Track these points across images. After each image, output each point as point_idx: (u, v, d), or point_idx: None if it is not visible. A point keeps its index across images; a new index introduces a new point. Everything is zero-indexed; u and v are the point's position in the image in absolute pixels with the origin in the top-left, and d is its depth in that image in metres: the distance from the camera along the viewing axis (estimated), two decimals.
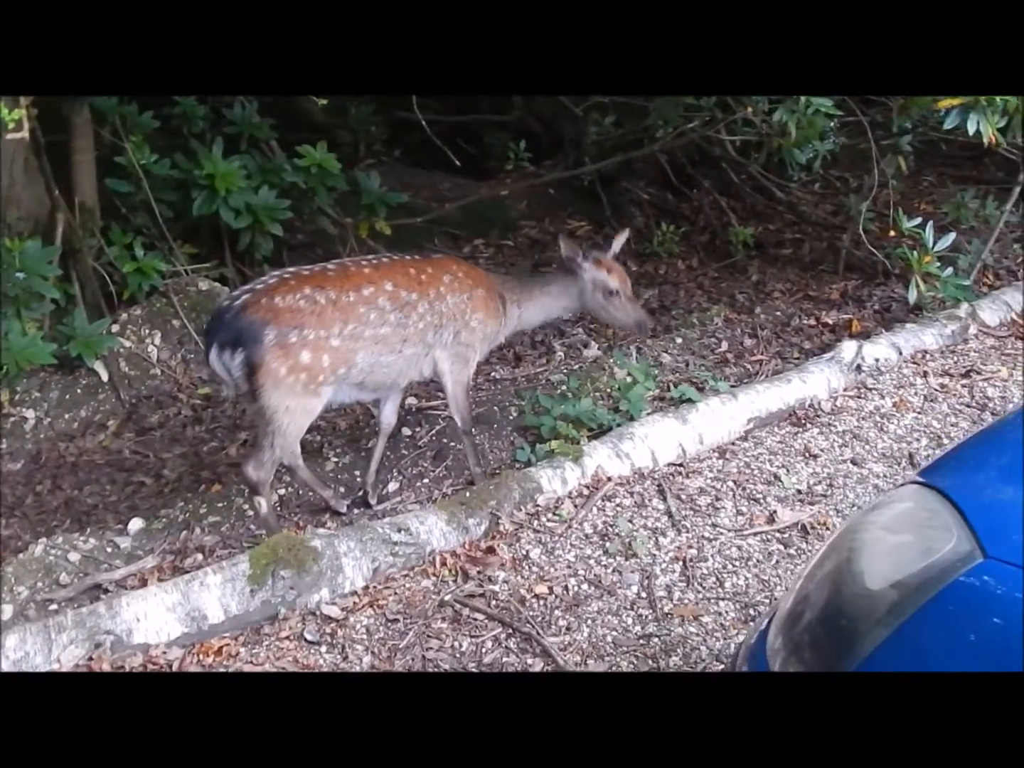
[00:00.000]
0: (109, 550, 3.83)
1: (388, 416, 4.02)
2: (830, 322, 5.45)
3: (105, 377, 4.97)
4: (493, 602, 3.25)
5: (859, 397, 4.37)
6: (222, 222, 5.48)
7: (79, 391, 4.92)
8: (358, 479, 4.20)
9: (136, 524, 3.96)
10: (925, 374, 4.54)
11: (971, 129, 4.26)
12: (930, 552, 1.56)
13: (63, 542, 3.81)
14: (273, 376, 3.34)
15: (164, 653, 3.06)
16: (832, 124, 5.09)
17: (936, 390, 4.42)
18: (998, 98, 4.23)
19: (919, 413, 4.26)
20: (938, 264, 4.79)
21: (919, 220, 4.98)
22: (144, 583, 3.61)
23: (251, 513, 3.94)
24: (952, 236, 4.84)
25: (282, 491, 4.12)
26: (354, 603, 3.28)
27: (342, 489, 4.15)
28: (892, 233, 5.27)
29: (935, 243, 4.77)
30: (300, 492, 4.12)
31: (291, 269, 3.60)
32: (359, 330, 3.49)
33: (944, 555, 1.53)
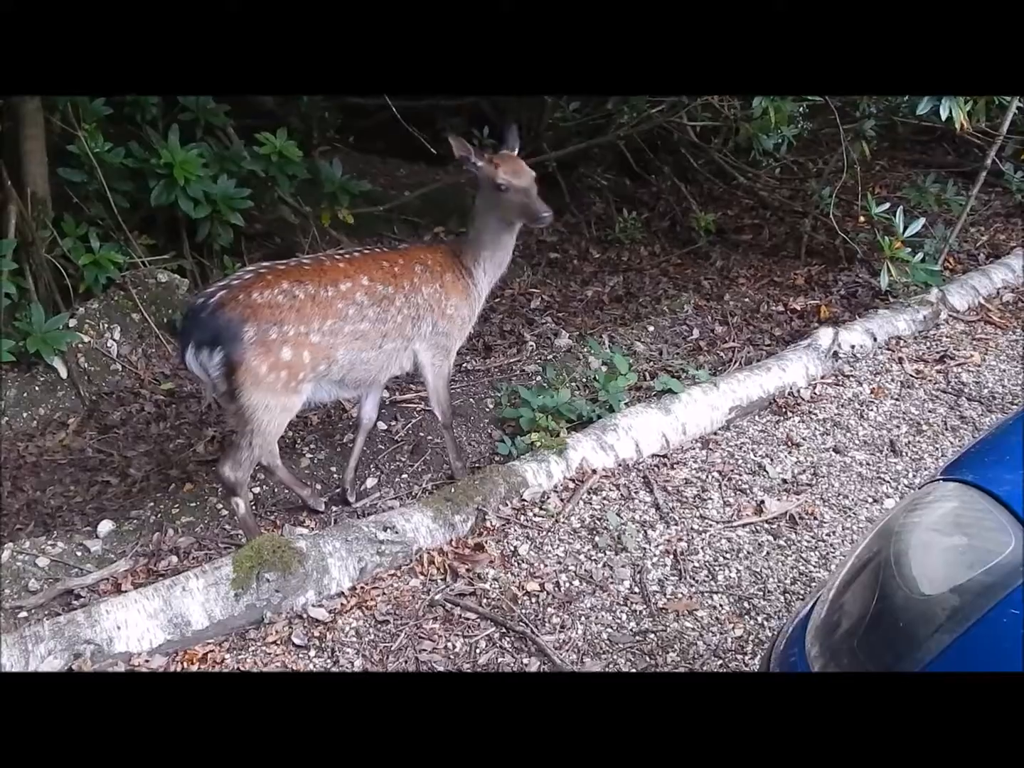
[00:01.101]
0: (79, 554, 3.70)
1: (368, 412, 3.92)
2: (798, 308, 5.47)
3: (64, 374, 4.79)
4: (484, 601, 3.19)
5: (837, 384, 4.39)
6: (180, 212, 5.32)
7: (37, 389, 4.74)
8: (334, 475, 4.11)
9: (106, 526, 3.82)
10: (900, 360, 4.56)
11: (943, 115, 4.28)
12: (990, 554, 1.53)
13: (30, 547, 3.67)
14: (253, 374, 3.22)
15: (147, 661, 2.96)
16: (800, 109, 5.08)
17: (912, 376, 4.45)
18: None
19: (897, 400, 4.28)
20: (908, 250, 4.82)
21: (887, 206, 5.00)
22: (118, 587, 3.50)
23: (225, 513, 3.84)
24: (921, 222, 4.87)
25: (257, 489, 4.01)
26: (342, 605, 3.20)
27: (318, 486, 4.05)
28: (862, 219, 5.29)
29: (904, 229, 4.78)
30: (276, 490, 4.02)
31: (265, 264, 3.48)
32: (338, 326, 3.39)
33: (1006, 558, 1.50)
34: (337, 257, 3.59)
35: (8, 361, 4.43)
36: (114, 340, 5.06)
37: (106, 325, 5.06)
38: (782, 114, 4.82)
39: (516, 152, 3.70)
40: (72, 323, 4.94)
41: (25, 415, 4.67)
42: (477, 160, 3.63)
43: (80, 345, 4.91)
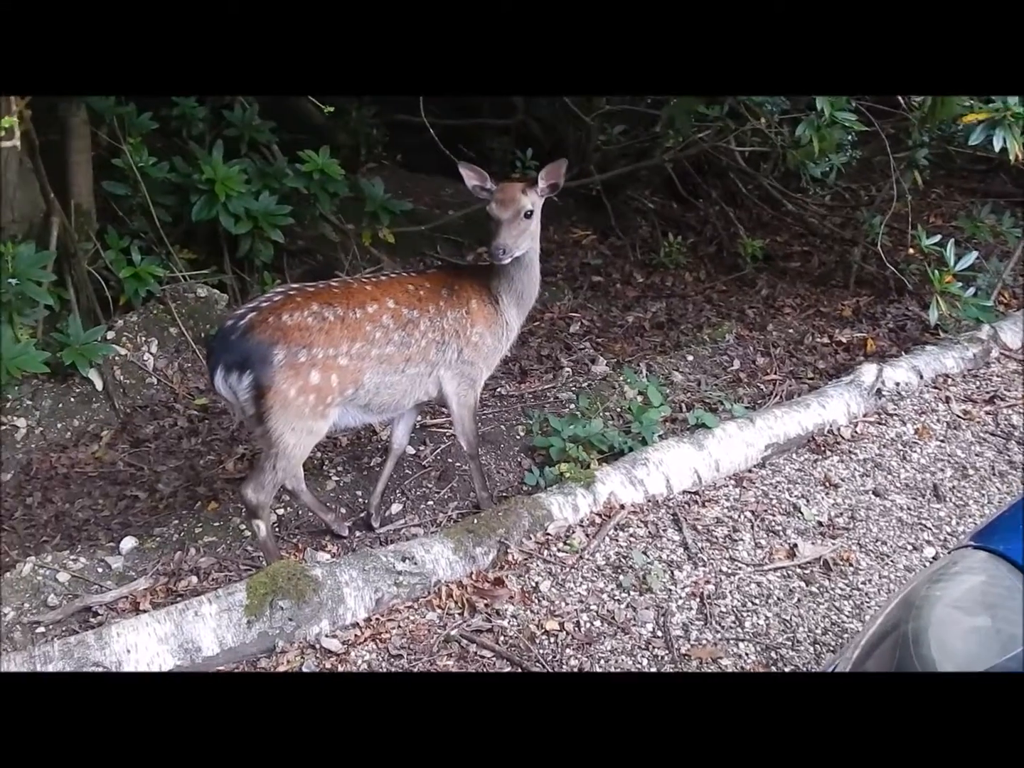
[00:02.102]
0: (100, 570, 3.69)
1: (400, 438, 3.87)
2: (844, 340, 5.32)
3: (99, 386, 4.82)
4: (501, 638, 3.10)
5: (880, 423, 4.23)
6: (221, 227, 5.34)
7: (72, 400, 4.76)
8: (360, 499, 4.06)
9: (129, 543, 3.81)
10: (947, 400, 4.39)
11: (996, 145, 4.12)
12: (1014, 641, 1.41)
13: (52, 561, 3.67)
14: (282, 398, 3.19)
15: None
16: (850, 137, 4.94)
17: (959, 417, 4.28)
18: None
19: (942, 441, 4.12)
20: (960, 284, 4.65)
21: (939, 237, 4.84)
22: (136, 606, 3.48)
23: (248, 534, 3.80)
24: (974, 255, 4.69)
25: (280, 511, 3.97)
26: (355, 636, 3.13)
27: (343, 510, 4.00)
28: (912, 251, 5.13)
29: (956, 262, 4.62)
30: (299, 512, 3.97)
31: (295, 285, 3.45)
32: (366, 348, 3.34)
33: None
34: (364, 280, 3.55)
35: (44, 372, 4.44)
36: (151, 353, 5.07)
37: (143, 338, 5.08)
38: (828, 142, 4.68)
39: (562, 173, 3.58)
40: (110, 335, 4.97)
41: (59, 426, 4.70)
42: (491, 187, 3.56)
43: (116, 357, 4.93)
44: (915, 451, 4.06)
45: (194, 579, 3.62)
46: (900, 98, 4.21)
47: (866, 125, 4.67)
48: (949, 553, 1.73)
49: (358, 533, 3.86)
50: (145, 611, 3.35)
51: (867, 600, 3.26)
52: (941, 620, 1.55)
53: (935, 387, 4.49)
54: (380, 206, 5.79)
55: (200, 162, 5.22)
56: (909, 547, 3.53)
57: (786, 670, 2.97)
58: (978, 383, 4.56)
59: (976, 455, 4.03)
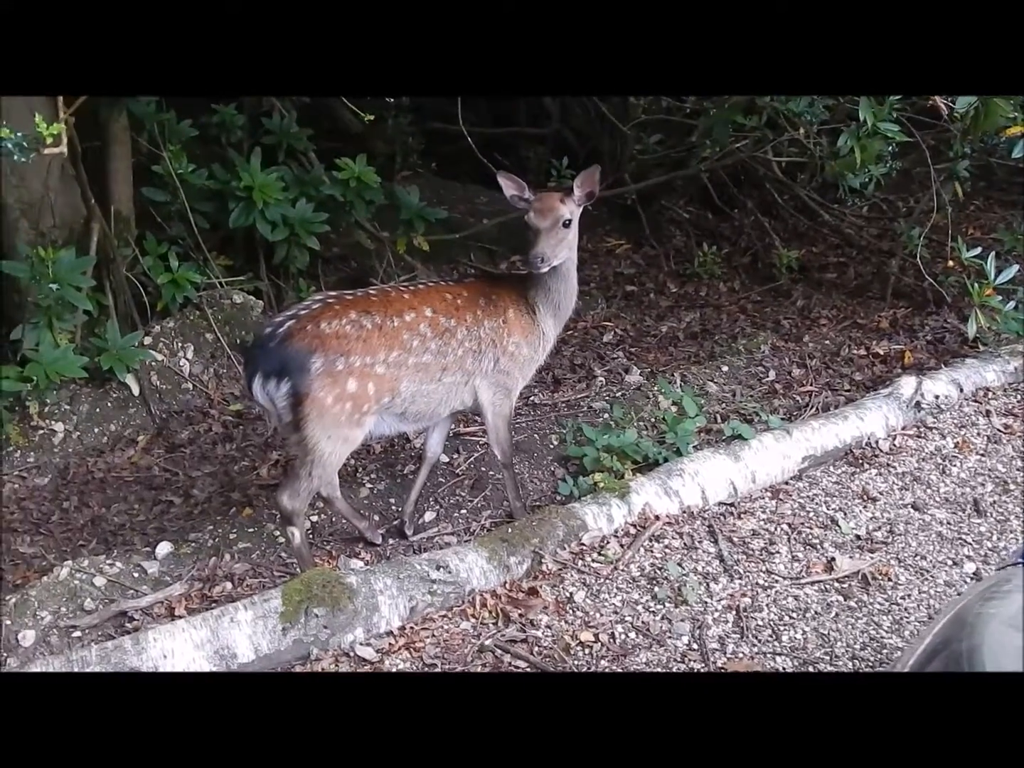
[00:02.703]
0: (136, 575, 3.71)
1: (434, 446, 3.87)
2: (881, 352, 5.26)
3: (136, 391, 4.85)
4: (536, 649, 3.08)
5: (919, 436, 4.18)
6: (258, 234, 5.38)
7: (109, 405, 4.81)
8: (393, 506, 4.06)
9: (164, 548, 3.83)
10: (988, 413, 4.33)
11: None
12: None
13: (89, 565, 3.69)
14: (319, 405, 3.20)
15: None
16: (890, 148, 4.89)
17: (1000, 431, 4.22)
18: None
19: (982, 455, 4.06)
20: (999, 297, 4.59)
21: (979, 250, 4.78)
22: (171, 611, 3.50)
23: (283, 540, 3.81)
24: (1015, 268, 4.62)
25: (314, 518, 3.98)
26: (389, 645, 3.13)
27: (376, 517, 4.01)
28: (951, 263, 5.07)
29: (997, 275, 4.56)
30: (333, 519, 3.98)
31: (332, 293, 3.46)
32: (403, 357, 3.35)
33: None
34: (402, 288, 3.55)
35: (82, 377, 4.49)
36: (187, 359, 5.11)
37: (180, 344, 5.12)
38: (869, 152, 4.64)
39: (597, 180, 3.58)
40: (147, 341, 5.00)
41: (96, 431, 4.74)
42: (528, 196, 3.57)
43: (153, 363, 4.96)
44: (955, 465, 4.00)
45: (228, 585, 3.63)
46: (942, 105, 4.15)
47: (907, 136, 4.62)
48: (997, 571, 1.69)
49: (391, 541, 3.86)
50: (180, 616, 3.37)
51: (906, 615, 3.22)
52: (995, 638, 1.52)
53: (975, 400, 4.43)
54: (415, 214, 5.80)
55: (238, 169, 5.26)
56: (949, 562, 3.48)
57: None
58: (1019, 397, 4.50)
59: (1017, 470, 3.97)
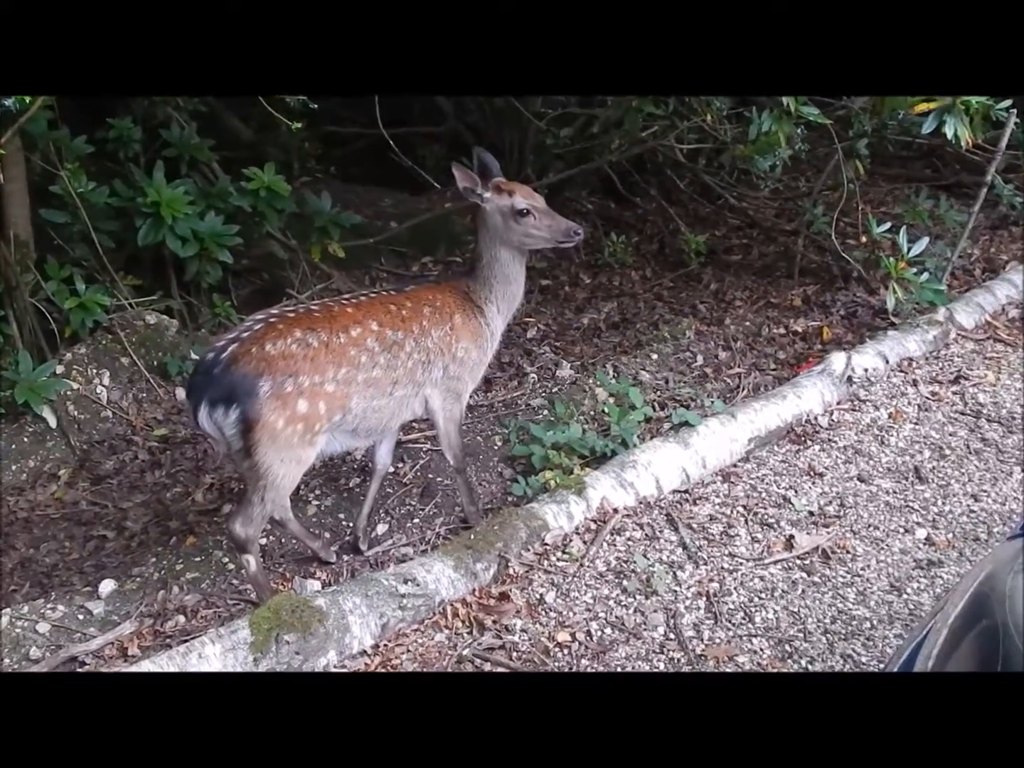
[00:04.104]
0: (81, 617, 3.53)
1: (383, 458, 3.79)
2: (800, 330, 5.39)
3: (54, 423, 4.62)
4: (515, 654, 3.05)
5: (854, 410, 4.29)
6: (166, 251, 5.18)
7: (26, 440, 4.56)
8: (343, 522, 3.97)
9: (108, 586, 3.65)
10: (915, 382, 4.48)
11: (949, 133, 4.21)
12: None
13: (29, 611, 3.50)
14: (271, 430, 3.08)
15: None
16: (800, 130, 5.00)
17: (928, 399, 4.37)
18: (973, 100, 4.21)
19: (916, 424, 4.20)
20: (914, 270, 4.75)
21: (889, 225, 4.95)
22: (124, 652, 3.34)
23: (232, 567, 3.69)
24: (925, 241, 4.81)
25: (264, 541, 3.84)
26: (365, 665, 3.05)
27: (327, 534, 3.91)
28: (864, 239, 5.23)
29: (909, 249, 4.72)
30: (283, 541, 3.86)
31: (274, 311, 3.33)
32: (352, 374, 3.25)
33: None
34: (344, 302, 3.45)
35: None
36: (103, 386, 4.89)
37: (95, 370, 4.89)
38: (778, 135, 4.73)
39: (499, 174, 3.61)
40: (59, 369, 4.76)
41: (14, 468, 4.49)
42: (484, 190, 3.52)
43: (69, 392, 4.73)
44: (891, 435, 4.13)
45: (182, 618, 3.48)
46: None
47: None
48: (1008, 540, 1.73)
49: (346, 557, 3.76)
50: (134, 656, 3.23)
51: (869, 586, 3.30)
52: None
53: (901, 371, 4.58)
54: (329, 220, 5.68)
55: (142, 185, 5.05)
56: (901, 530, 3.58)
57: (802, 662, 2.99)
58: (941, 364, 4.67)
59: (950, 435, 4.12)
